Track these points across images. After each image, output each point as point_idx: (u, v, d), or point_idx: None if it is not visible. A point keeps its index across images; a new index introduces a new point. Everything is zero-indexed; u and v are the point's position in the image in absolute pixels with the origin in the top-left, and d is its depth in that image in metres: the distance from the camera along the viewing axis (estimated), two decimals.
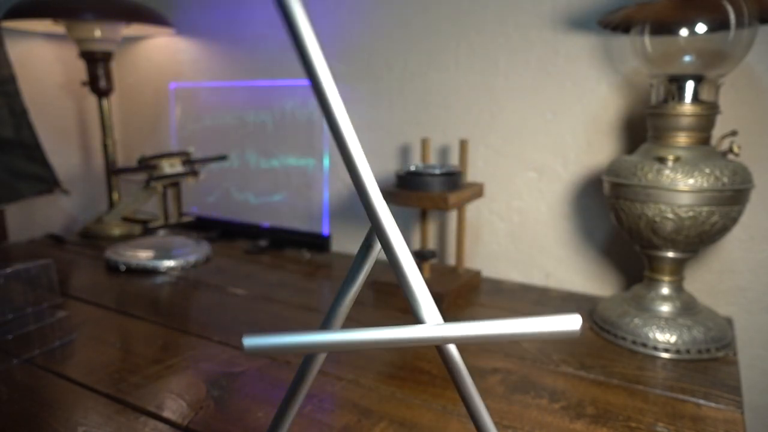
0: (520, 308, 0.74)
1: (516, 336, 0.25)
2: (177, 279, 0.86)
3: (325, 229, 1.04)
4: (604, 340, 0.65)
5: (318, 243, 1.04)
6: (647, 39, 0.63)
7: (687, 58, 0.62)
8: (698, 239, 0.61)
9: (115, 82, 1.14)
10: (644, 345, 0.61)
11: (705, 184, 0.58)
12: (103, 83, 1.11)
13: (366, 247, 0.29)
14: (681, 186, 0.58)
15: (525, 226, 0.87)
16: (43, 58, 1.18)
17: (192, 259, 0.92)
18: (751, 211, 0.68)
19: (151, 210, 1.19)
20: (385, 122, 0.96)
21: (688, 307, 0.64)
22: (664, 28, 0.62)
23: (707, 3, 0.59)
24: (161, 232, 1.00)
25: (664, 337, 0.61)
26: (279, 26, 1.04)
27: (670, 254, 0.63)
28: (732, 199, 0.59)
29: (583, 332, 0.67)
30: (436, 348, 0.31)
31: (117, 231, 1.11)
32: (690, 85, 0.61)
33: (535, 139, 0.84)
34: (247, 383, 0.54)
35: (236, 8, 1.09)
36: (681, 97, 0.61)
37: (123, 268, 0.90)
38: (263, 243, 1.04)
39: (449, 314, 0.72)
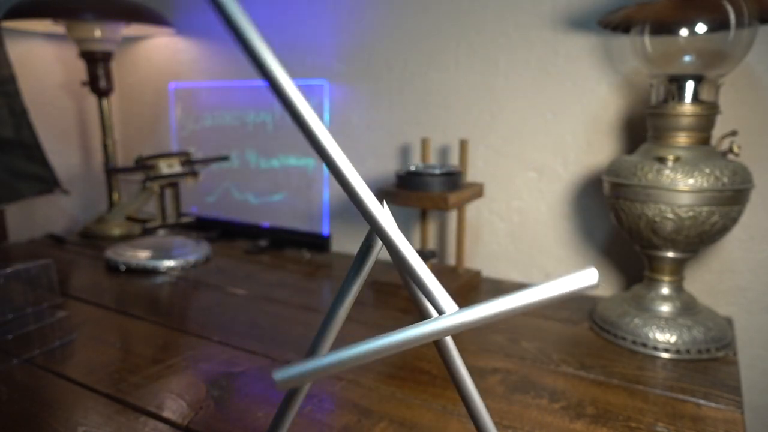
0: None
1: (541, 303, 0.24)
2: (177, 279, 0.86)
3: (325, 229, 1.04)
4: (604, 340, 0.65)
5: (318, 243, 1.04)
6: (647, 39, 0.63)
7: (687, 58, 0.62)
8: (698, 239, 0.61)
9: (115, 82, 1.14)
10: (644, 345, 0.61)
11: (705, 184, 0.58)
12: (103, 83, 1.11)
13: (366, 247, 0.29)
14: (681, 186, 0.58)
15: (525, 226, 0.87)
16: (43, 58, 1.18)
17: (192, 259, 0.92)
18: (751, 211, 0.68)
19: (153, 210, 1.19)
20: (385, 122, 0.96)
21: (688, 307, 0.64)
22: (664, 28, 0.62)
23: (707, 3, 0.59)
24: (161, 232, 1.00)
25: (664, 337, 0.61)
26: (279, 26, 1.04)
27: (670, 254, 0.63)
28: (732, 199, 0.59)
29: (583, 332, 0.67)
30: (436, 348, 0.31)
31: (117, 231, 1.11)
32: (690, 85, 0.61)
33: (535, 139, 0.84)
34: (247, 383, 0.54)
35: None
36: (681, 97, 0.61)
37: (123, 268, 0.90)
38: (263, 243, 1.04)
39: None
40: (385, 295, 0.79)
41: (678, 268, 0.65)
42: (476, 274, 0.84)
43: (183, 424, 0.47)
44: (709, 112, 0.61)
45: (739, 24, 0.58)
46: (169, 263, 0.90)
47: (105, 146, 1.14)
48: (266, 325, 0.69)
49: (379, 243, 0.29)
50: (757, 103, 0.69)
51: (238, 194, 1.15)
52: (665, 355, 0.60)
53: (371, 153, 0.98)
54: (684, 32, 0.61)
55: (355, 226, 1.02)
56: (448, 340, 0.31)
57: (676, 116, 0.61)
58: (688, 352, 0.60)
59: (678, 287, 0.65)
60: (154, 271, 0.89)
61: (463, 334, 0.65)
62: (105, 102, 1.13)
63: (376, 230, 0.26)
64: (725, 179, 0.58)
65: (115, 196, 1.19)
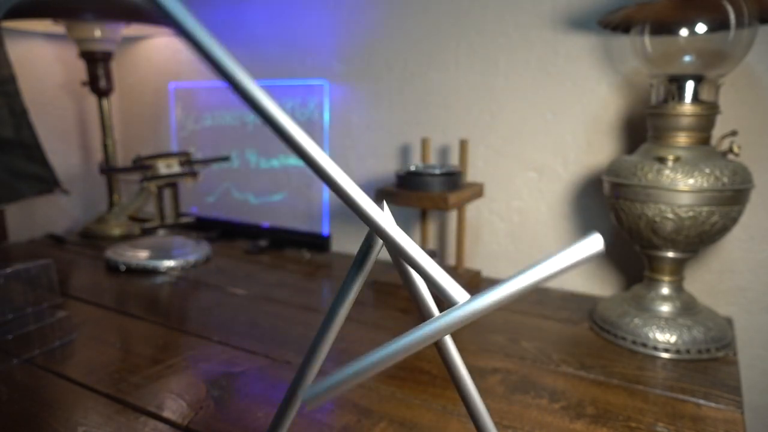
0: (520, 308, 0.74)
1: (552, 276, 0.24)
2: (177, 279, 0.86)
3: (325, 229, 1.04)
4: (604, 340, 0.65)
5: (318, 243, 1.04)
6: (647, 39, 0.63)
7: (687, 58, 0.62)
8: (698, 239, 0.61)
9: (115, 82, 1.14)
10: (644, 345, 0.61)
11: (705, 184, 0.58)
12: (103, 83, 1.11)
13: (366, 247, 0.29)
14: (681, 186, 0.58)
15: (525, 226, 0.87)
16: (43, 58, 1.18)
17: (192, 259, 0.92)
18: (751, 211, 0.68)
19: (153, 210, 1.19)
20: (385, 122, 0.96)
21: (688, 307, 0.64)
22: (664, 28, 0.62)
23: (707, 3, 0.59)
24: (161, 232, 1.00)
25: (664, 337, 0.61)
26: (279, 26, 1.04)
27: (670, 254, 0.63)
28: (732, 199, 0.59)
29: (583, 332, 0.67)
30: (436, 348, 0.31)
31: (117, 231, 1.11)
32: (690, 85, 0.61)
33: (535, 139, 0.84)
34: (247, 383, 0.54)
35: (236, 8, 1.09)
36: (681, 97, 0.61)
37: (123, 268, 0.90)
38: (263, 243, 1.04)
39: None
40: (385, 295, 0.79)
41: (678, 268, 0.65)
42: (476, 274, 0.84)
43: (183, 424, 0.47)
44: (709, 112, 0.61)
45: (739, 24, 0.58)
46: (169, 263, 0.90)
47: (105, 146, 1.14)
48: (266, 325, 0.69)
49: (379, 243, 0.29)
50: (757, 103, 0.69)
51: (238, 194, 1.15)
52: (665, 355, 0.60)
53: (371, 153, 0.98)
54: (684, 32, 0.61)
55: (355, 226, 1.02)
56: (448, 339, 0.31)
57: (676, 116, 0.61)
58: (688, 352, 0.60)
59: (678, 287, 0.65)
60: (154, 271, 0.89)
61: (463, 334, 0.65)
62: (105, 102, 1.13)
63: (375, 230, 0.26)
64: (725, 179, 0.58)
65: (116, 196, 1.19)
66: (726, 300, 0.74)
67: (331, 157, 0.23)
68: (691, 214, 0.59)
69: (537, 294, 0.80)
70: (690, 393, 0.53)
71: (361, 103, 0.98)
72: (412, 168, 0.77)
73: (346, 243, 1.03)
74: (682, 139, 0.62)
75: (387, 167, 0.97)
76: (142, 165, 0.94)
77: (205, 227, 1.16)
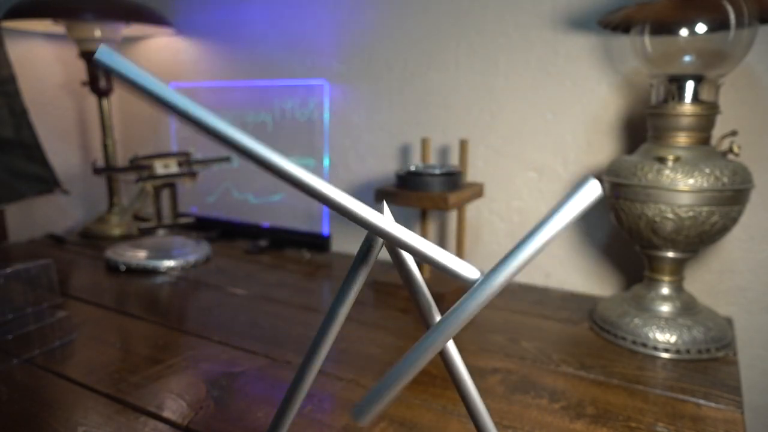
0: (520, 308, 0.74)
1: (558, 234, 0.24)
2: (177, 279, 0.86)
3: (325, 229, 1.04)
4: (604, 340, 0.65)
5: (318, 243, 1.04)
6: (647, 39, 0.63)
7: (687, 58, 0.62)
8: (698, 239, 0.61)
9: (115, 82, 1.14)
10: (644, 345, 0.61)
11: (705, 184, 0.58)
12: (103, 83, 1.11)
13: (366, 247, 0.29)
14: (681, 186, 0.58)
15: (525, 226, 0.87)
16: (43, 58, 1.18)
17: (192, 259, 0.92)
18: (751, 211, 0.68)
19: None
20: (385, 122, 0.96)
21: (688, 307, 0.64)
22: (664, 28, 0.62)
23: (707, 3, 0.59)
24: (161, 232, 1.00)
25: (664, 337, 0.61)
26: (279, 26, 1.04)
27: (670, 254, 0.63)
28: (732, 199, 0.59)
29: (583, 332, 0.67)
30: None
31: (117, 231, 1.11)
32: (690, 85, 0.61)
33: (535, 139, 0.84)
34: (247, 383, 0.54)
35: (236, 8, 1.09)
36: (681, 97, 0.61)
37: (123, 268, 0.90)
38: (263, 243, 1.04)
39: None
40: (385, 295, 0.79)
41: (678, 268, 0.65)
42: None
43: (183, 424, 0.47)
44: (709, 112, 0.61)
45: (739, 24, 0.58)
46: (169, 263, 0.90)
47: (105, 146, 1.14)
48: (266, 325, 0.69)
49: (379, 243, 0.29)
50: (757, 103, 0.69)
51: (238, 194, 1.15)
52: (665, 355, 0.60)
53: (371, 153, 0.98)
54: (684, 32, 0.61)
55: (355, 226, 1.02)
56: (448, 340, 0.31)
57: (676, 116, 0.61)
58: (688, 352, 0.60)
59: (678, 287, 0.65)
60: (154, 271, 0.89)
61: (463, 334, 0.65)
62: (105, 102, 1.13)
63: (374, 230, 0.26)
64: (725, 179, 0.58)
65: (115, 197, 1.19)
66: (726, 300, 0.74)
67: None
68: (691, 214, 0.59)
69: (537, 294, 0.80)
70: (690, 393, 0.53)
71: (361, 103, 0.98)
72: (412, 168, 0.77)
73: (346, 243, 1.03)
74: (682, 139, 0.62)
75: (387, 167, 0.97)
76: (138, 165, 0.94)
77: (205, 227, 1.16)
